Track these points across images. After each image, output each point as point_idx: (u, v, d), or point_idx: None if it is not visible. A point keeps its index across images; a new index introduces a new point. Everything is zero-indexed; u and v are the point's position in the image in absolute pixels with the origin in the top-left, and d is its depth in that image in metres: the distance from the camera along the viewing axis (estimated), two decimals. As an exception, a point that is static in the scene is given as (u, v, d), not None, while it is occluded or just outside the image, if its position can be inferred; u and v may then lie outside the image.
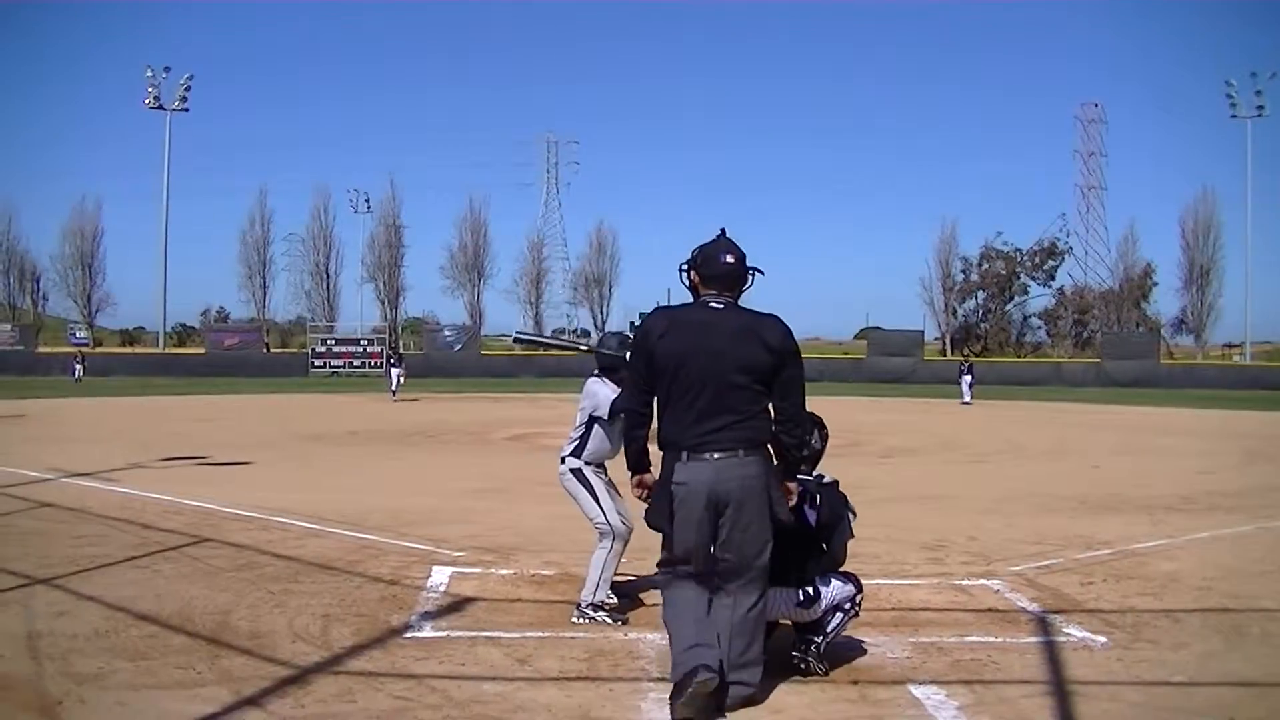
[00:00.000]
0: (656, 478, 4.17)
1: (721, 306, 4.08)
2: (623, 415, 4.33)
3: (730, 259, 4.12)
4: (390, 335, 62.51)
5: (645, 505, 4.21)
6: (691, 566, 4.04)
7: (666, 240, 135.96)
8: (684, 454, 3.98)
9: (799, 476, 4.41)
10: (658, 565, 4.23)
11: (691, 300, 4.23)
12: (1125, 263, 72.98)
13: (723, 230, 4.26)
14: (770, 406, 4.09)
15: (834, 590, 4.53)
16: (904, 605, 5.82)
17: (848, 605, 4.56)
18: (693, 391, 3.97)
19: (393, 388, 31.95)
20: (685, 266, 4.23)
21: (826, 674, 4.42)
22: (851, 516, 4.64)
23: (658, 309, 4.35)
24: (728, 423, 3.95)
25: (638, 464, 4.24)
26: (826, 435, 4.73)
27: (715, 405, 3.95)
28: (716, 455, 3.95)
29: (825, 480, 4.61)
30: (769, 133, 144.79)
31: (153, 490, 10.09)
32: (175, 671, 4.39)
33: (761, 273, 4.21)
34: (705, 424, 3.95)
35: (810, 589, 4.46)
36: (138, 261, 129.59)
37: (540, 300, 75.90)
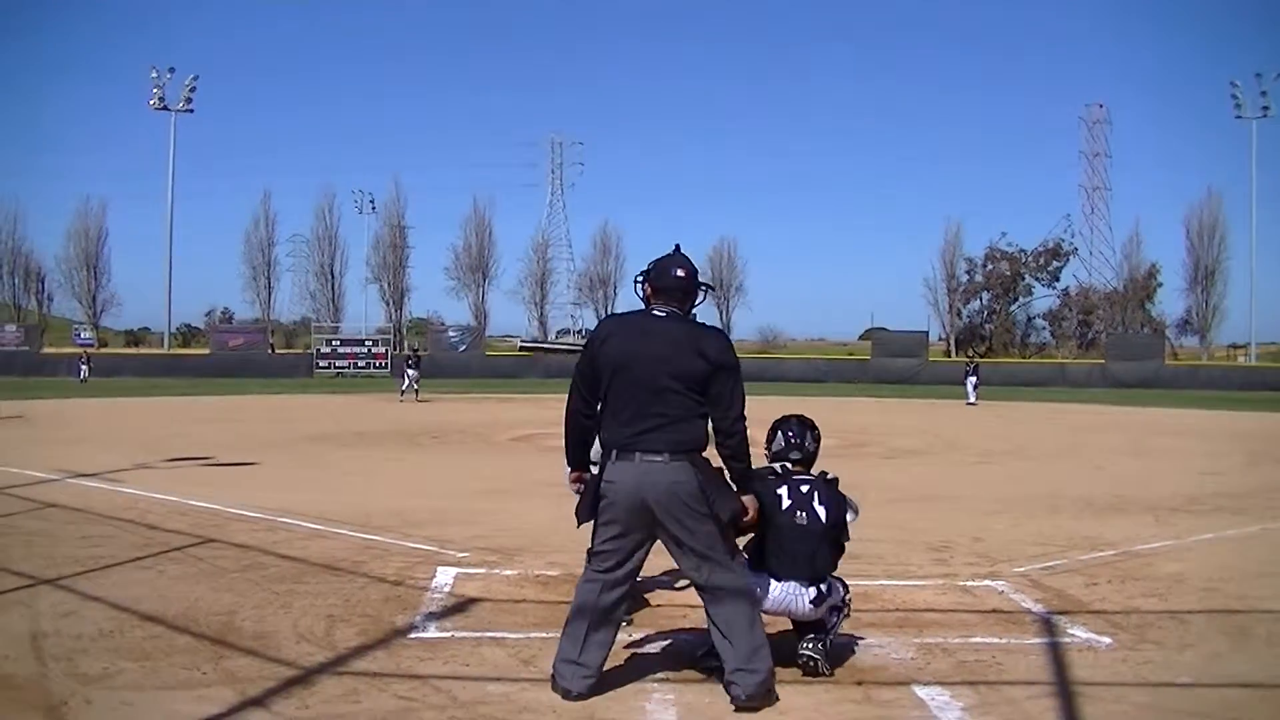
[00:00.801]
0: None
1: (664, 315, 4.19)
2: (566, 414, 4.37)
3: (681, 273, 4.23)
4: (396, 335, 62.55)
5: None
6: (606, 565, 4.14)
7: (671, 241, 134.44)
8: (614, 453, 4.08)
9: (797, 476, 4.63)
10: (587, 554, 4.32)
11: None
12: (1130, 263, 73.18)
13: (677, 246, 4.38)
14: (710, 415, 4.12)
15: (835, 590, 4.61)
16: (909, 606, 5.82)
17: (840, 605, 4.63)
18: (627, 394, 4.07)
19: (402, 388, 31.97)
20: (640, 279, 4.35)
21: (831, 674, 4.43)
22: (853, 515, 4.71)
23: (607, 316, 4.49)
24: (655, 425, 4.02)
25: (576, 461, 4.38)
26: (819, 437, 4.83)
27: (645, 408, 4.04)
28: (644, 457, 4.02)
29: (829, 477, 4.69)
30: (773, 133, 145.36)
31: (158, 491, 10.11)
32: (180, 672, 4.40)
33: (712, 289, 4.34)
34: (635, 425, 4.04)
35: (824, 586, 4.53)
36: (143, 262, 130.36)
37: (545, 301, 76.18)
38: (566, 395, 4.29)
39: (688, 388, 4.04)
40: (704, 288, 4.38)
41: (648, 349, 4.07)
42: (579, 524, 4.31)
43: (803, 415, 4.84)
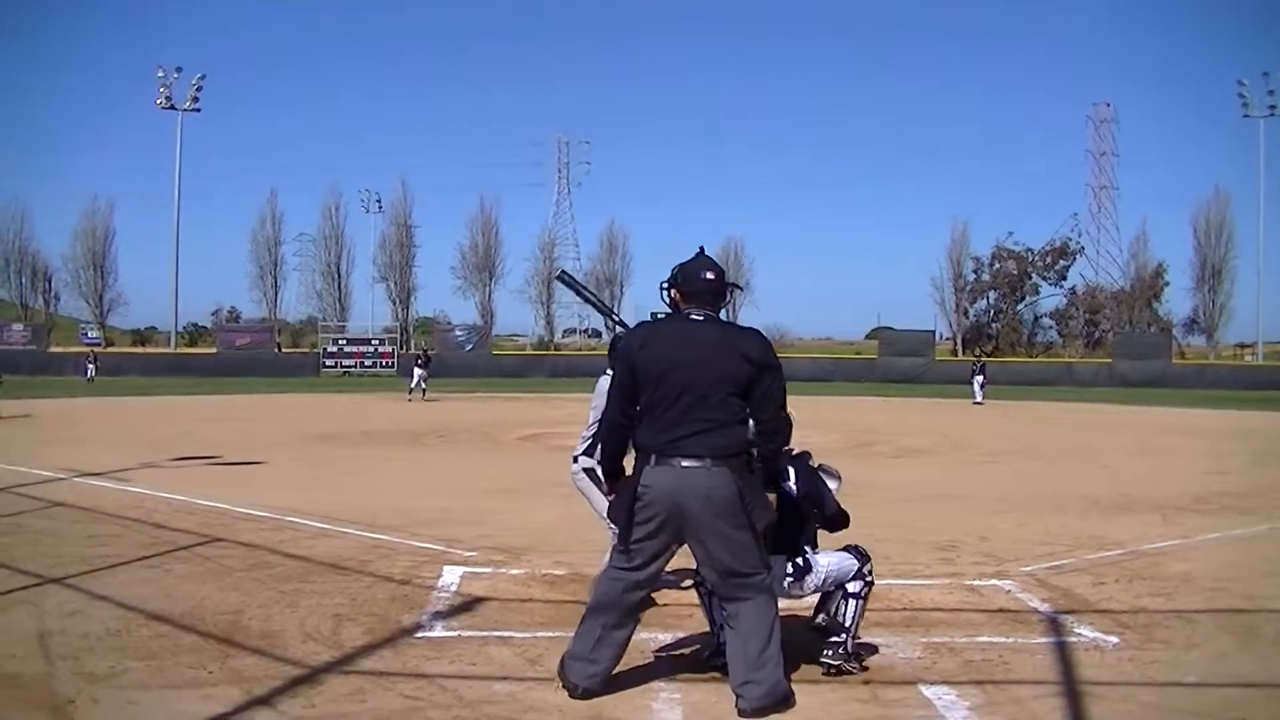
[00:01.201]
0: None
1: (701, 319, 4.17)
2: (604, 424, 4.35)
3: (710, 275, 4.22)
4: (403, 335, 62.63)
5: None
6: (633, 564, 4.12)
7: (678, 240, 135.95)
8: (653, 458, 4.05)
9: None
10: (613, 550, 4.32)
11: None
12: (1137, 262, 72.72)
13: (701, 249, 4.37)
14: (749, 417, 4.10)
15: (831, 562, 4.54)
16: (915, 606, 5.81)
17: (857, 587, 4.54)
18: (668, 400, 4.03)
19: (410, 387, 31.99)
20: (666, 285, 4.33)
21: (861, 671, 4.43)
22: (835, 483, 4.67)
23: (641, 323, 4.47)
24: (696, 430, 3.99)
25: (613, 470, 4.34)
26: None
27: (687, 413, 4.00)
28: (683, 463, 3.99)
29: (795, 452, 4.65)
30: (780, 132, 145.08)
31: (164, 490, 10.13)
32: (186, 671, 4.41)
33: (740, 289, 4.29)
34: (675, 430, 4.01)
35: (800, 560, 4.47)
36: (150, 261, 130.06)
37: (551, 300, 76.00)
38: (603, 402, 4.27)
39: (730, 392, 4.01)
40: (732, 288, 4.37)
41: (688, 354, 4.04)
42: (614, 526, 4.29)
43: None
